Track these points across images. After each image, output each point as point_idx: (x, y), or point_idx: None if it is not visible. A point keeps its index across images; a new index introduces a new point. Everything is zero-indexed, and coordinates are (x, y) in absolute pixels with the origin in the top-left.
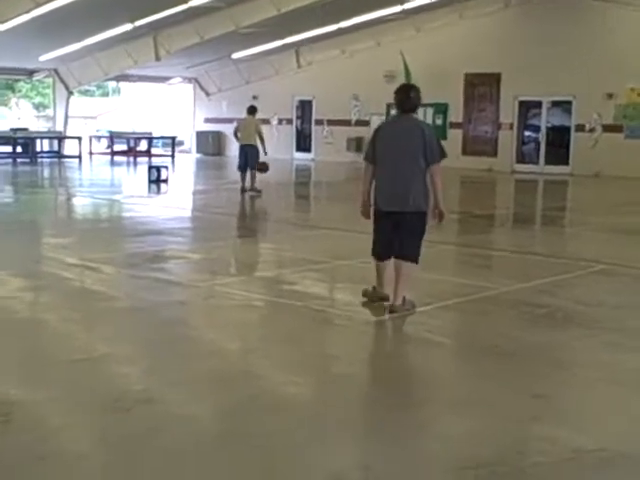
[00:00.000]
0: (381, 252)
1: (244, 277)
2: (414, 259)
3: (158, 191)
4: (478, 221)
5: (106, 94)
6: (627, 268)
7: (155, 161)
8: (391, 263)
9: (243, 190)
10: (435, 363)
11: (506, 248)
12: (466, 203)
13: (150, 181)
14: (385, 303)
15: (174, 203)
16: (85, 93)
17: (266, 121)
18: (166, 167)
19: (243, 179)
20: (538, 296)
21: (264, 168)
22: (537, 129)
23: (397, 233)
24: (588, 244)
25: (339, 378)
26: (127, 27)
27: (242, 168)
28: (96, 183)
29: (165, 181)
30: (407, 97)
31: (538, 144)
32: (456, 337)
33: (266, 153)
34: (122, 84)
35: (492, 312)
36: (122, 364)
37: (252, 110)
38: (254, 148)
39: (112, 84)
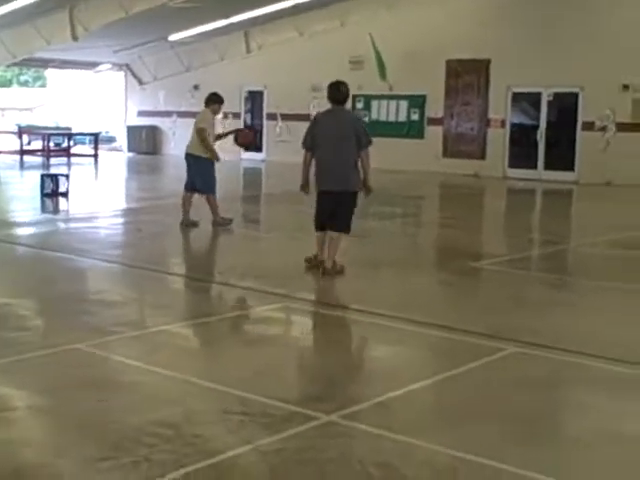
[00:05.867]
0: (320, 225)
1: None
2: (347, 231)
3: (54, 210)
4: (502, 273)
5: (44, 85)
6: None
7: (75, 161)
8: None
9: (183, 222)
10: None
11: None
12: (462, 231)
13: (44, 195)
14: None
15: (59, 237)
16: (25, 84)
17: None
18: (66, 176)
19: (185, 204)
20: None
21: (245, 141)
22: (535, 127)
23: (333, 211)
24: None
25: None
26: None
27: (187, 187)
28: None
29: (64, 195)
30: (338, 91)
31: (536, 145)
32: None
33: (217, 159)
34: (49, 72)
35: None
36: None
37: (208, 100)
38: (201, 161)
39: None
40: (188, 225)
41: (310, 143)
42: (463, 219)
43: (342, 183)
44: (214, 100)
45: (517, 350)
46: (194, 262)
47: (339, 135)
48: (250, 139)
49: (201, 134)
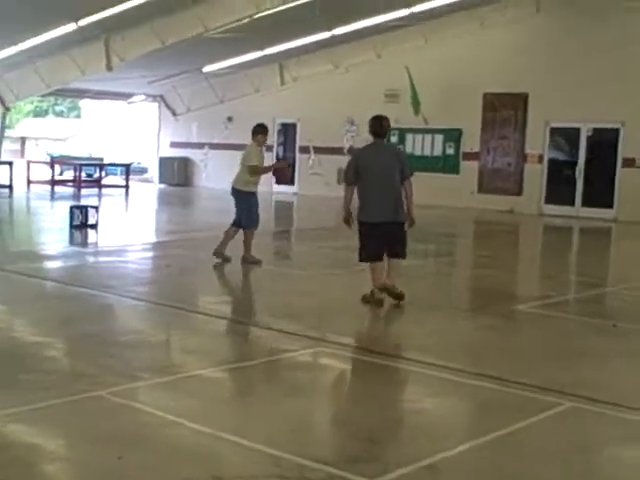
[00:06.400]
0: (375, 255)
1: None
2: (404, 257)
3: (82, 243)
4: (548, 317)
5: (79, 115)
6: None
7: (106, 191)
8: (383, 262)
9: (216, 253)
10: None
11: None
12: (501, 271)
13: (72, 227)
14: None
15: (86, 271)
16: (60, 114)
17: (243, 147)
18: (95, 207)
19: (226, 237)
20: None
21: (280, 174)
22: (573, 163)
23: (389, 241)
24: None
25: None
26: (70, 27)
27: (235, 223)
28: None
29: (94, 227)
30: (380, 125)
31: (574, 181)
32: None
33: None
34: (84, 103)
35: None
36: None
37: (253, 132)
38: (242, 196)
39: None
40: (219, 257)
41: (353, 178)
42: (500, 258)
43: (393, 214)
44: (259, 131)
45: (575, 406)
46: (225, 301)
47: (384, 167)
48: (287, 177)
49: (254, 171)
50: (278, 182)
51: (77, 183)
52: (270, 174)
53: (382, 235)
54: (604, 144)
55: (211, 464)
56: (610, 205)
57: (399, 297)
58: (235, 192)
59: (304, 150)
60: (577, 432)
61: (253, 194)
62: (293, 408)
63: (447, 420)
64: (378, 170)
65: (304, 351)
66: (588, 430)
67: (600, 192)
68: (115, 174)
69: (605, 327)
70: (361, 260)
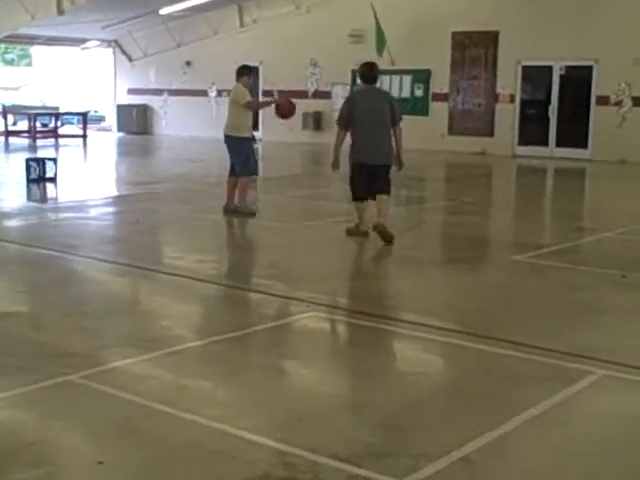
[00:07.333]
0: (362, 195)
1: None
2: (389, 192)
3: (41, 199)
4: (552, 269)
5: (30, 64)
6: None
7: (64, 141)
8: (371, 204)
9: (227, 207)
10: None
11: None
12: (487, 218)
13: (29, 181)
14: (370, 225)
15: (47, 230)
16: (11, 62)
17: (203, 92)
18: (53, 159)
19: (229, 190)
20: None
21: (283, 110)
22: (546, 102)
23: (374, 181)
24: None
25: None
26: None
27: (231, 172)
28: None
29: (52, 180)
30: (371, 70)
31: (547, 121)
32: None
33: (254, 139)
34: (35, 50)
35: None
36: None
37: (238, 73)
38: (236, 142)
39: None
40: (233, 211)
41: (347, 121)
42: (483, 203)
43: (383, 157)
44: (244, 72)
45: (608, 374)
46: (202, 260)
47: (377, 112)
48: (291, 111)
49: (250, 107)
50: (283, 117)
51: (32, 134)
52: (273, 108)
53: (369, 176)
54: (577, 82)
55: (210, 465)
56: (584, 145)
57: (388, 238)
58: (228, 139)
59: (267, 94)
60: (620, 406)
61: (247, 139)
62: (297, 389)
63: (474, 398)
64: (369, 114)
65: (300, 316)
66: (632, 403)
67: (574, 132)
68: (72, 123)
69: (613, 278)
70: (353, 199)
